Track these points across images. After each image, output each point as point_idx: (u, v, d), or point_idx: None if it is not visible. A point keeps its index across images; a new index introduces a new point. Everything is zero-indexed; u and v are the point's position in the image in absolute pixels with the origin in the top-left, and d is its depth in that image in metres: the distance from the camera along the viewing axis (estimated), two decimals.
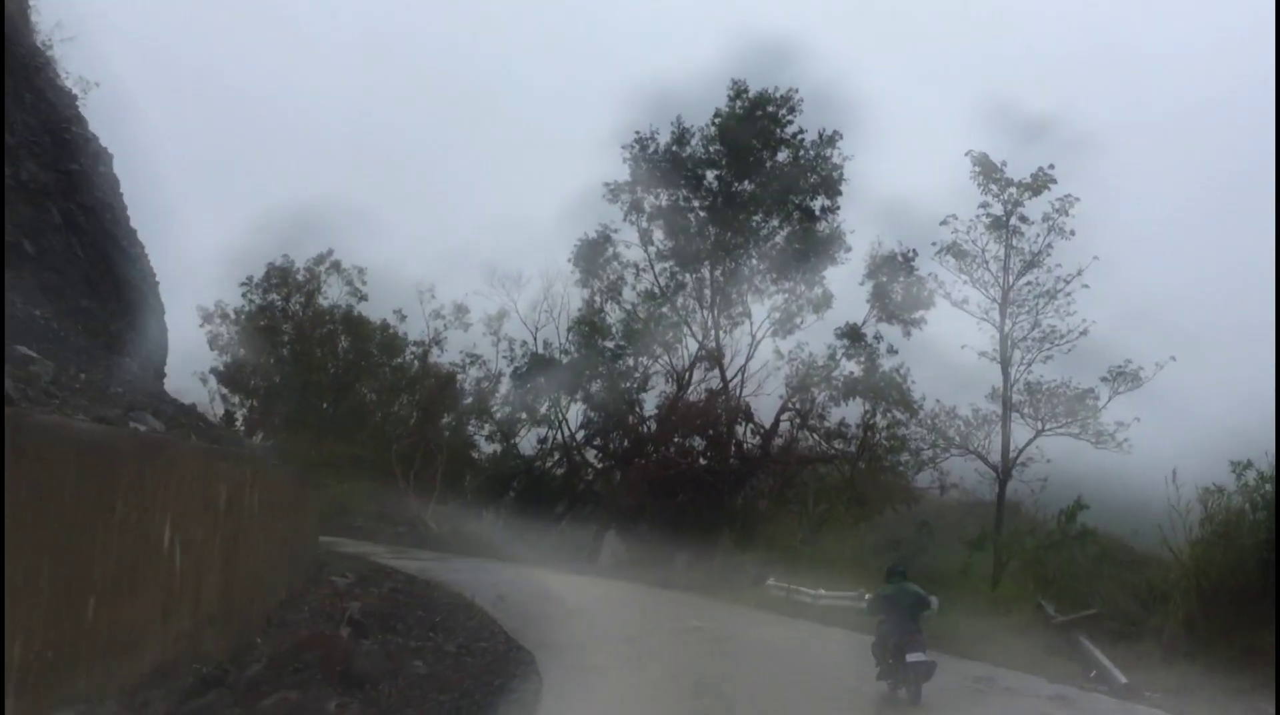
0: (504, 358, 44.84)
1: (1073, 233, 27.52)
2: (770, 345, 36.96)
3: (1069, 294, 27.41)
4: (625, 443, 39.59)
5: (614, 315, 40.09)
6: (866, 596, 14.14)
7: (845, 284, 36.46)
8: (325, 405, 49.95)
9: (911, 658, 11.53)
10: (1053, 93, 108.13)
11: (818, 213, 36.68)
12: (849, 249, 36.41)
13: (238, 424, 49.27)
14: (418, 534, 39.04)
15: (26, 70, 20.38)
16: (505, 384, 44.50)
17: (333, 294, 52.19)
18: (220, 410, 50.17)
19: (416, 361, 49.17)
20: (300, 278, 52.08)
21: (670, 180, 36.69)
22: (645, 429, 38.89)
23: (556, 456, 42.43)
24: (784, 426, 36.33)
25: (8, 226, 18.18)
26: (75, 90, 23.77)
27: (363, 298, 52.55)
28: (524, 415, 43.53)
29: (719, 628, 18.70)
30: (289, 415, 49.39)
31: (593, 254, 38.12)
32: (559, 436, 42.42)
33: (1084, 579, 23.75)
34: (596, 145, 78.80)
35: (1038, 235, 27.85)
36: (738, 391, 37.10)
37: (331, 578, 19.06)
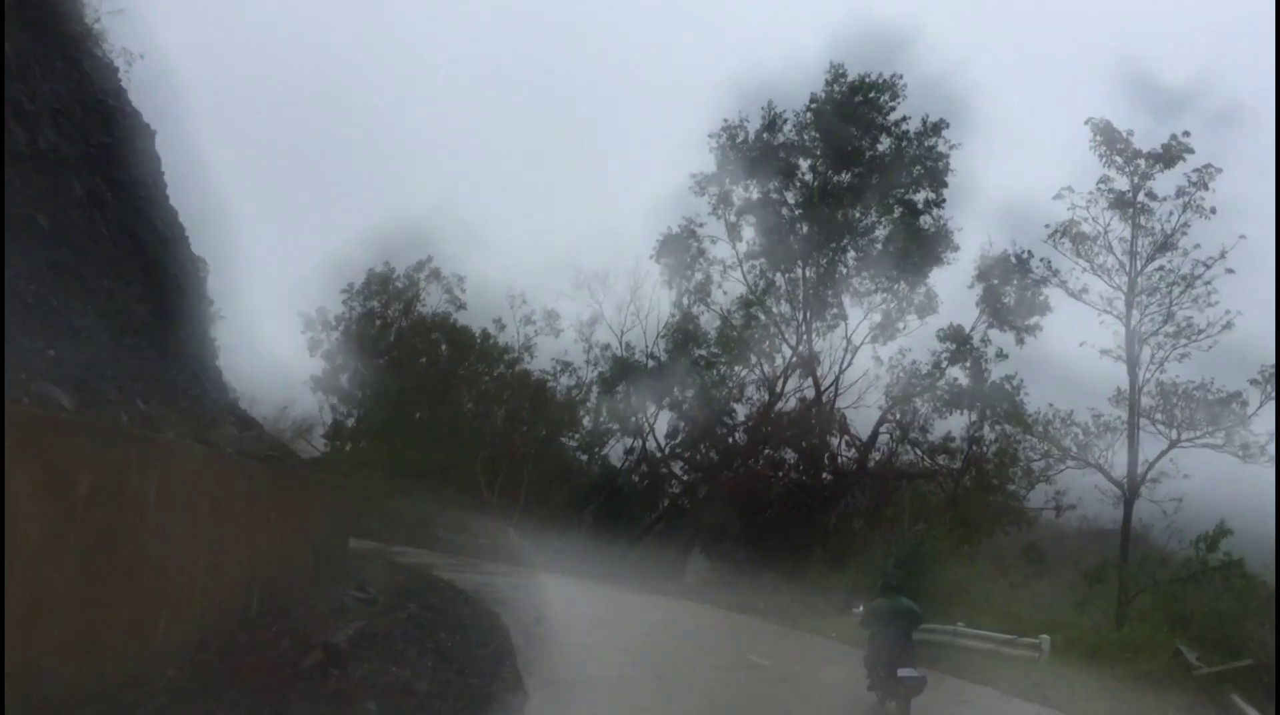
0: (591, 365, 43.09)
1: (1213, 211, 23.70)
2: (869, 352, 34.07)
3: (1209, 281, 23.74)
4: (713, 455, 37.26)
5: (705, 318, 37.77)
6: (859, 610, 14.36)
7: (952, 286, 33.37)
8: (419, 414, 49.04)
9: (903, 673, 11.61)
10: (1192, 62, 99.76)
11: (921, 207, 33.77)
12: (956, 248, 33.33)
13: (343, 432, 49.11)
14: (497, 546, 37.61)
15: (64, 40, 19.36)
16: (594, 392, 42.62)
17: (431, 302, 51.69)
18: (329, 419, 50.26)
19: (508, 369, 47.86)
20: (400, 285, 51.60)
21: (761, 171, 34.26)
22: (734, 440, 36.48)
23: (643, 469, 40.35)
24: (882, 439, 33.53)
25: (19, 197, 16.94)
26: (119, 63, 22.78)
27: (461, 306, 51.89)
28: (613, 424, 41.58)
29: (782, 665, 16.31)
30: (383, 423, 48.81)
31: (677, 249, 35.90)
32: (645, 447, 40.31)
33: (1230, 620, 19.79)
34: (688, 140, 76.40)
35: (1170, 213, 24.12)
36: (832, 401, 34.33)
37: (350, 593, 17.33)
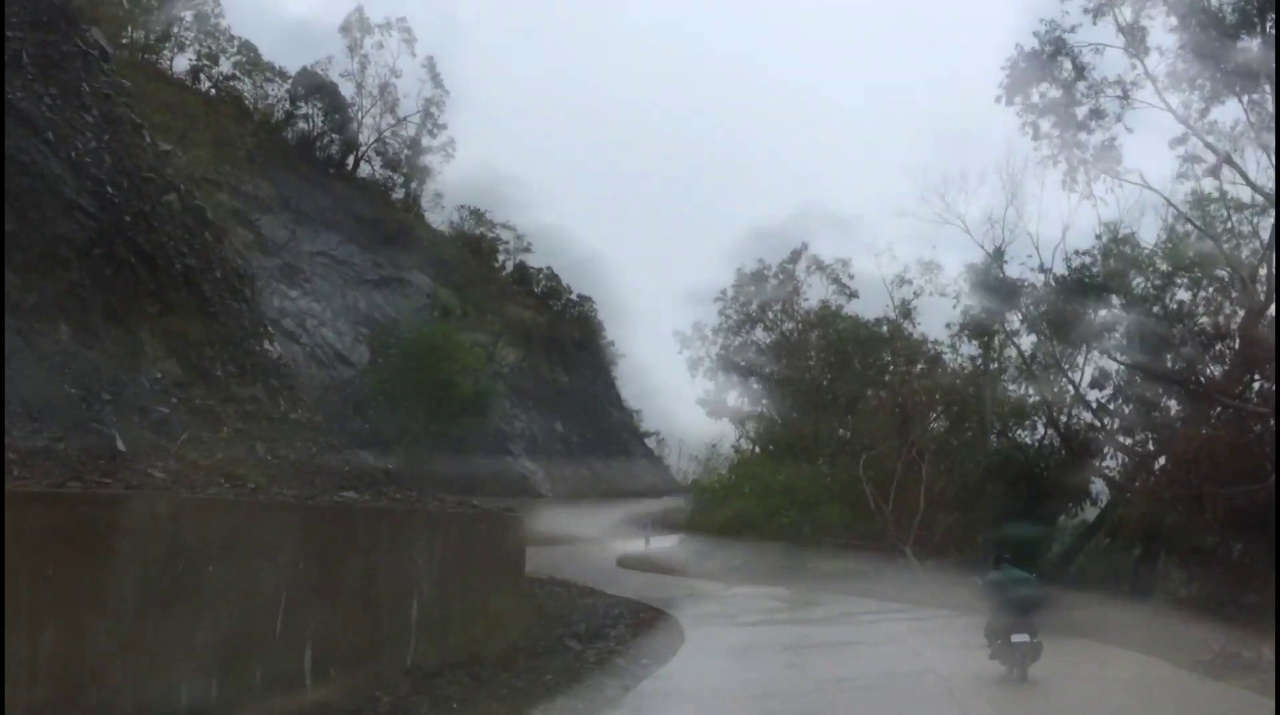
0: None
1: None
2: None
3: None
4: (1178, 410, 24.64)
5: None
6: (979, 582, 13.89)
7: None
8: (810, 426, 41.20)
9: (1016, 639, 12.10)
10: None
11: None
12: None
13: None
14: (892, 572, 28.37)
15: None
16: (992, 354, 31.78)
17: (814, 294, 44.39)
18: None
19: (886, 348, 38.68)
20: (776, 280, 44.79)
21: None
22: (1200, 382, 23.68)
23: (1062, 448, 28.53)
24: None
25: None
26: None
27: (853, 294, 43.93)
28: (1029, 389, 30.35)
29: None
30: (778, 437, 41.88)
31: (1038, 73, 24.28)
32: (1069, 417, 28.50)
33: None
34: None
35: None
36: None
37: None
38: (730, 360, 45.19)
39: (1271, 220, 23.38)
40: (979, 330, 31.74)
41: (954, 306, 33.91)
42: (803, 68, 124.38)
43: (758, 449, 43.97)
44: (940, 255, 39.09)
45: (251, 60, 49.51)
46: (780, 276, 44.64)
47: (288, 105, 51.18)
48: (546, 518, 44.99)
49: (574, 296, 66.30)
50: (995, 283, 28.86)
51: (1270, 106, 21.96)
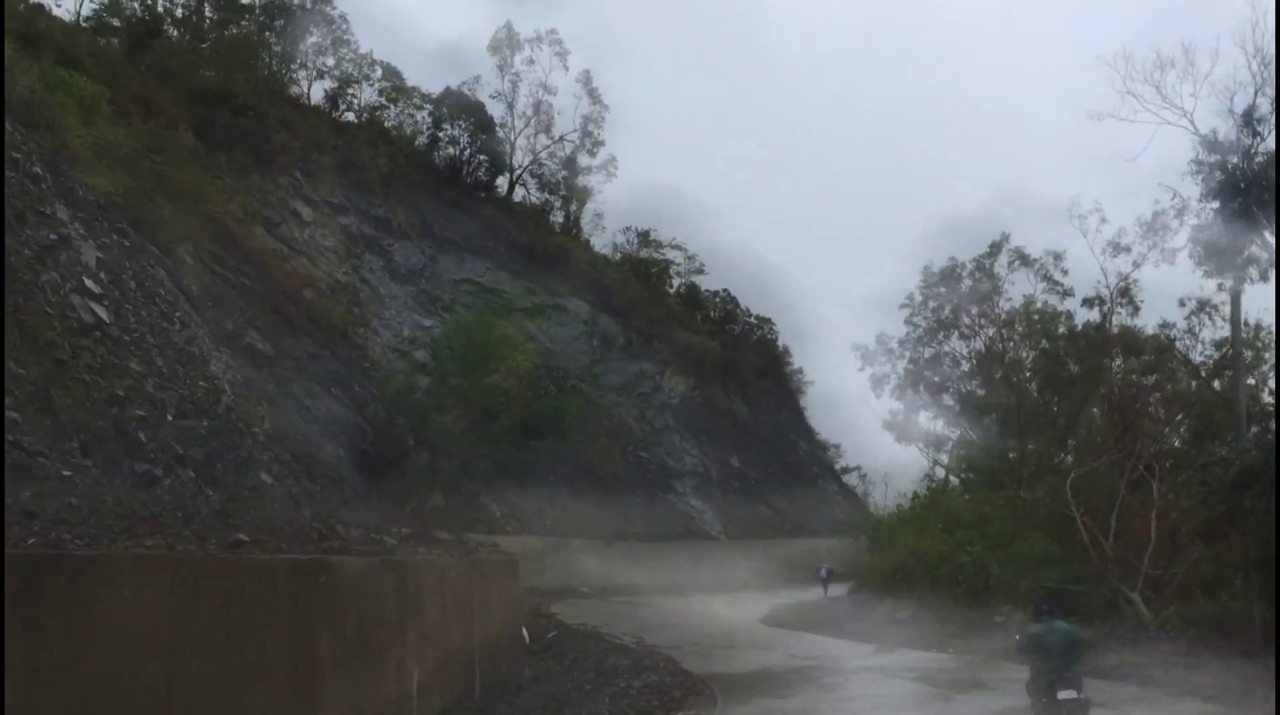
0: None
1: None
2: None
3: None
4: None
5: None
6: (1017, 636, 13.43)
7: None
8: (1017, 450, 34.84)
9: (1063, 695, 11.81)
10: None
11: None
12: None
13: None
14: (1113, 627, 22.16)
15: None
16: None
17: (1017, 293, 38.24)
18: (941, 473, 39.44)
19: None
20: (971, 279, 38.79)
21: None
22: None
23: None
24: None
25: None
26: None
27: (1067, 293, 37.51)
28: None
29: None
30: (977, 464, 35.84)
31: None
32: None
33: None
34: None
35: None
36: None
37: None
38: (920, 375, 39.36)
39: None
40: (1218, 260, 24.87)
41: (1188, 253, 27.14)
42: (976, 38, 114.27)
43: (955, 479, 37.94)
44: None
45: (396, 86, 48.30)
46: (976, 275, 38.58)
47: (431, 128, 49.58)
48: (702, 562, 40.41)
49: (752, 319, 61.77)
50: (1244, 172, 22.07)
51: None
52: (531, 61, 53.09)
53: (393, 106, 48.07)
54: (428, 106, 49.58)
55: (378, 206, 41.41)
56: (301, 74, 42.56)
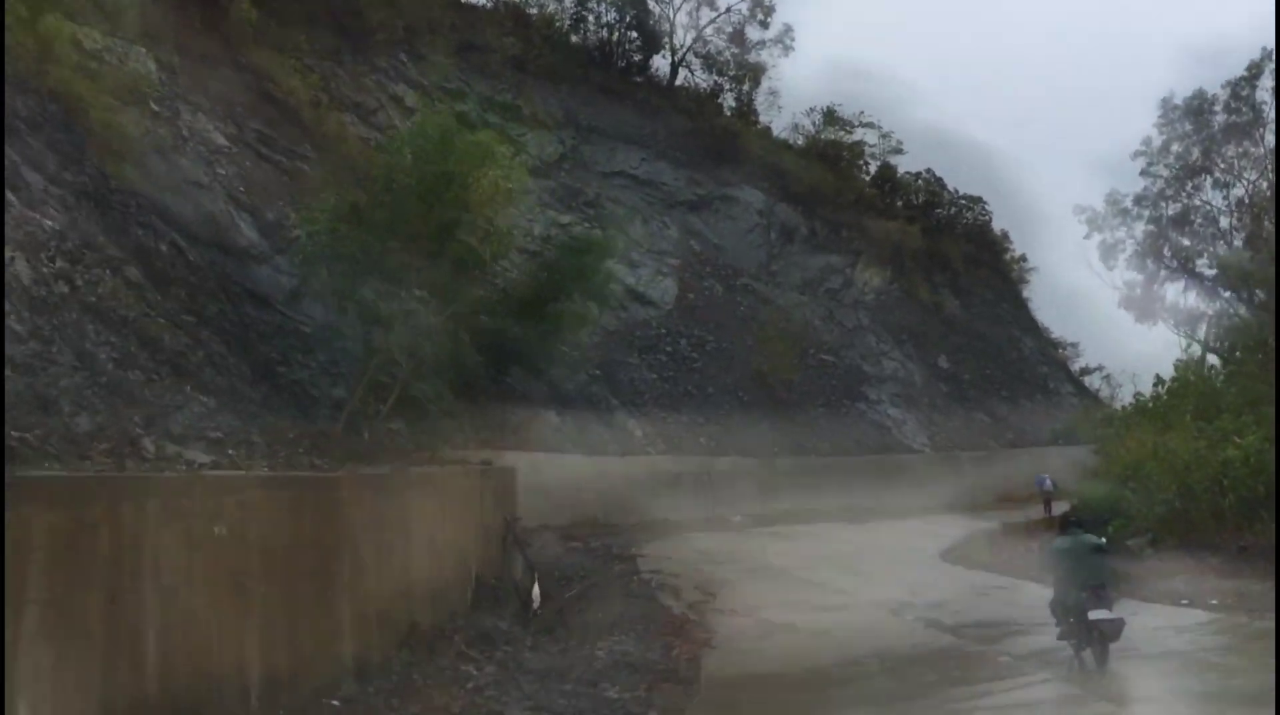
0: None
1: None
2: None
3: None
4: None
5: None
6: (1042, 551, 13.47)
7: None
8: None
9: (1094, 615, 10.88)
10: None
11: None
12: None
13: None
14: None
15: None
16: None
17: None
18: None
19: None
20: (1225, 114, 30.65)
21: None
22: None
23: None
24: None
25: None
26: None
27: None
28: None
29: None
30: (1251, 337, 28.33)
31: None
32: None
33: None
34: None
35: None
36: None
37: None
38: (1163, 237, 31.68)
39: None
40: None
41: None
42: None
43: (1214, 359, 30.27)
44: None
45: None
46: (1232, 105, 30.31)
47: (576, 6, 44.74)
48: (895, 481, 34.55)
49: (960, 200, 54.01)
50: None
51: None
52: None
53: None
54: None
55: (504, 92, 37.14)
56: None
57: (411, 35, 32.79)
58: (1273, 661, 9.35)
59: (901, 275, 49.03)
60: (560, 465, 25.06)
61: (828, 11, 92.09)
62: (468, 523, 15.04)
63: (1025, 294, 56.65)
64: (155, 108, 20.29)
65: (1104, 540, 12.35)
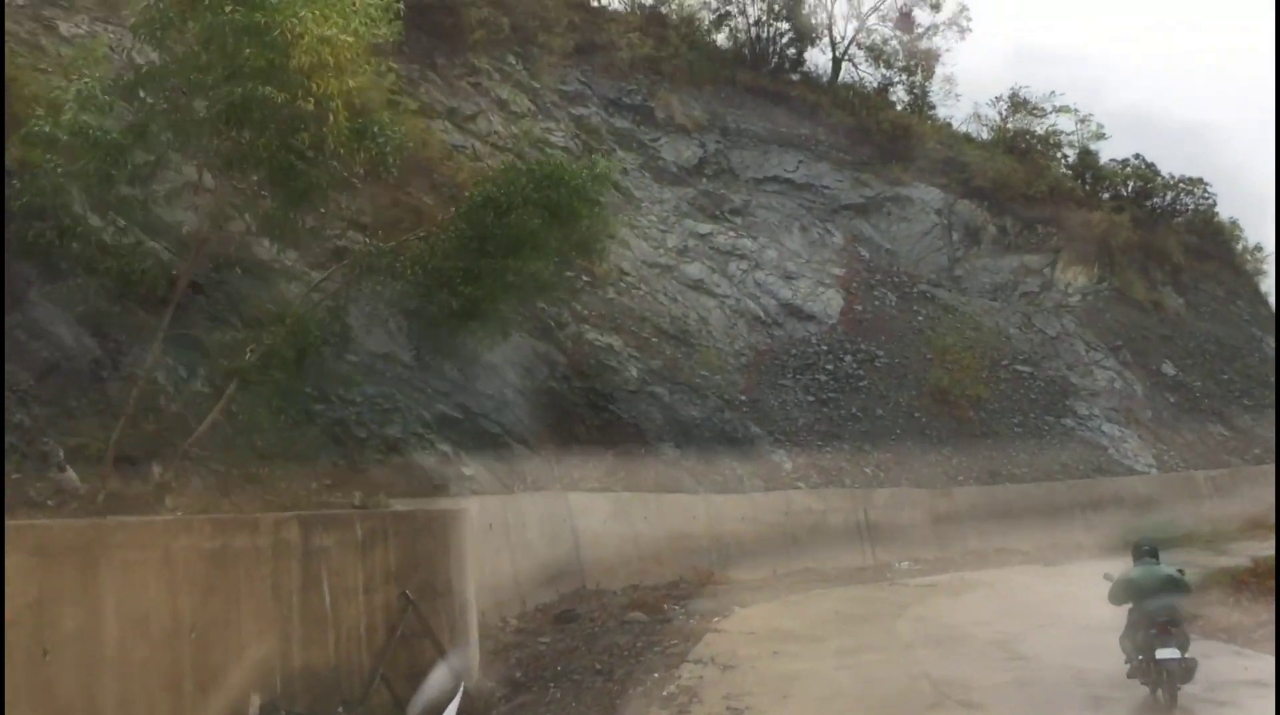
0: None
1: None
2: None
3: None
4: None
5: None
6: (1109, 579, 12.00)
7: None
8: None
9: (1162, 655, 10.53)
10: None
11: None
12: None
13: None
14: None
15: None
16: None
17: None
18: None
19: None
20: None
21: None
22: None
23: None
24: None
25: None
26: None
27: None
28: None
29: None
30: None
31: None
32: None
33: None
34: None
35: None
36: None
37: None
38: None
39: None
40: None
41: None
42: None
43: None
44: None
45: None
46: None
47: (718, 4, 41.60)
48: (1108, 511, 28.85)
49: (1178, 184, 47.21)
50: None
51: None
52: None
53: None
54: None
55: (633, 94, 34.22)
56: None
57: (521, 35, 30.30)
58: None
59: (1111, 273, 42.93)
60: (656, 507, 20.78)
61: None
62: (279, 603, 9.69)
63: (1264, 288, 48.99)
64: None
65: (1180, 572, 11.59)
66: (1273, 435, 37.84)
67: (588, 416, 21.23)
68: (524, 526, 16.94)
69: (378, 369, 17.90)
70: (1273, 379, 42.58)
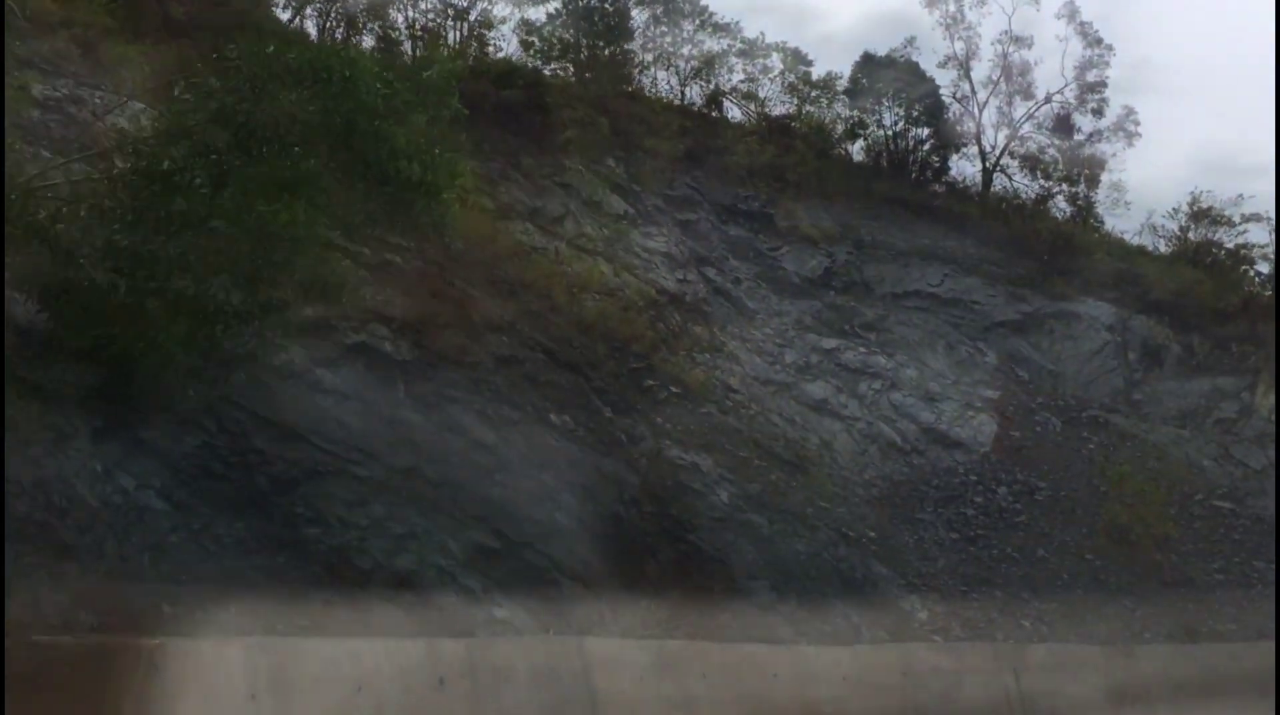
0: None
1: None
2: None
3: None
4: None
5: None
6: None
7: None
8: None
9: None
10: None
11: None
12: None
13: None
14: None
15: None
16: None
17: None
18: None
19: None
20: None
21: None
22: None
23: None
24: None
25: None
26: None
27: None
28: None
29: None
30: None
31: None
32: None
33: None
34: None
35: None
36: None
37: None
38: None
39: None
40: None
41: None
42: None
43: None
44: None
45: (801, 77, 38.68)
46: None
47: (852, 114, 39.08)
48: None
49: None
50: None
51: None
52: (983, 1, 40.81)
53: (794, 99, 38.26)
54: (842, 93, 39.13)
55: (750, 201, 31.56)
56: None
57: (623, 139, 28.32)
58: None
59: None
60: (718, 661, 15.63)
61: (1178, 95, 79.28)
62: None
63: None
64: None
65: None
66: None
67: (661, 548, 17.63)
68: (498, 685, 12.49)
69: (393, 486, 15.08)
70: None
